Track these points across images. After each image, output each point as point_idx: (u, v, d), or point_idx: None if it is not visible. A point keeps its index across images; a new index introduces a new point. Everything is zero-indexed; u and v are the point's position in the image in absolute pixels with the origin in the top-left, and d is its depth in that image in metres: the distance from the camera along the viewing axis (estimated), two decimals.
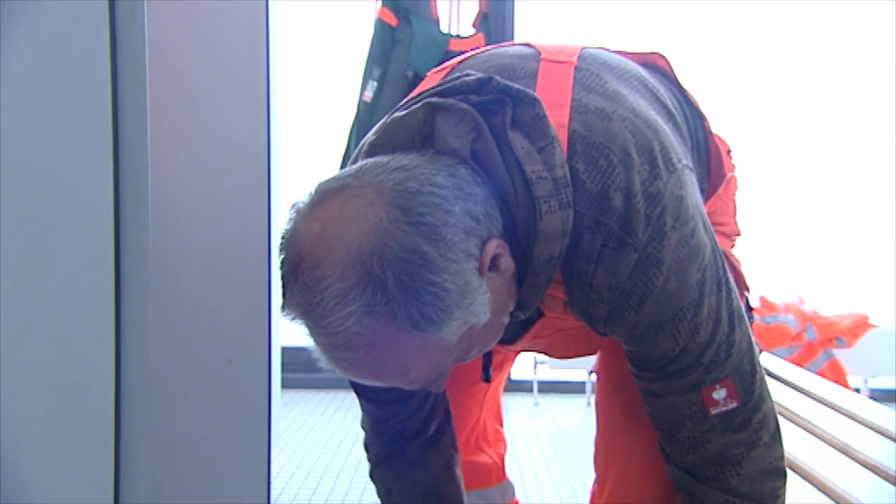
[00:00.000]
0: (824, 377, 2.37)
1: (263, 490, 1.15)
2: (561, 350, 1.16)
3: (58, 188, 0.76)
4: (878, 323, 3.46)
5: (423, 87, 0.99)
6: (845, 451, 1.42)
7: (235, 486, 1.06)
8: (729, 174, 1.15)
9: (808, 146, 3.84)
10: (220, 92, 0.97)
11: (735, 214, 1.31)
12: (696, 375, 0.92)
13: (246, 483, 1.10)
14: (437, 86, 0.90)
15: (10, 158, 0.75)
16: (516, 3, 3.63)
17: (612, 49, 1.08)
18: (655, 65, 1.10)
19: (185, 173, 0.87)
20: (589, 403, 3.61)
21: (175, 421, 0.86)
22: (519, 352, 1.24)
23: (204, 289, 0.93)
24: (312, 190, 0.80)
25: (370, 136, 0.91)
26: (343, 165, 3.34)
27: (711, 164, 1.10)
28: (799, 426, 1.57)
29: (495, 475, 1.35)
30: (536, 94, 0.87)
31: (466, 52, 1.08)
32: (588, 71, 0.95)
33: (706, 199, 1.11)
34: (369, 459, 1.19)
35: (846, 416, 1.63)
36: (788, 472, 1.00)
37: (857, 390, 3.47)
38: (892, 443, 1.46)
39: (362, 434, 1.19)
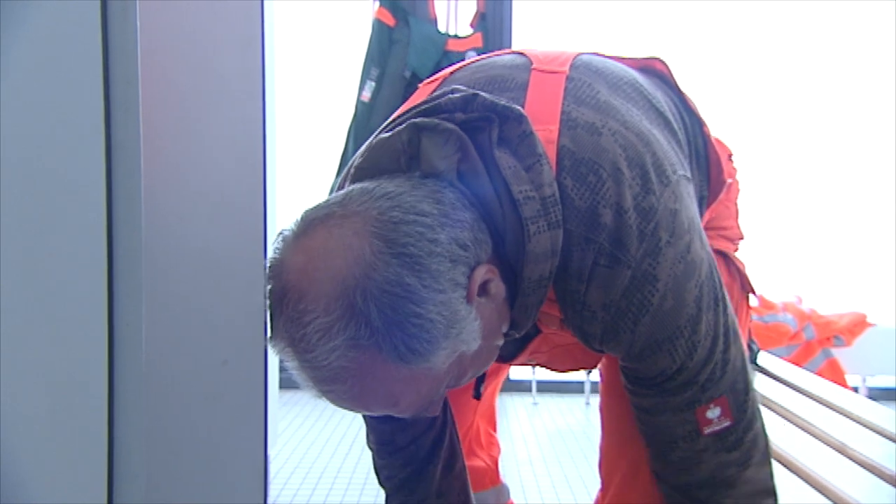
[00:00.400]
0: (822, 376, 2.37)
1: (260, 491, 1.15)
2: (561, 364, 1.15)
3: (50, 189, 0.75)
4: (876, 322, 3.47)
5: (412, 101, 0.98)
6: (843, 450, 1.41)
7: (232, 487, 1.06)
8: (730, 180, 1.14)
9: (807, 146, 3.84)
10: (214, 92, 0.97)
11: (737, 218, 1.30)
12: (692, 393, 0.91)
13: (242, 484, 1.09)
14: (423, 103, 0.89)
15: (1, 159, 0.75)
16: (514, 2, 3.63)
17: (609, 55, 1.06)
18: (654, 70, 1.09)
19: (178, 174, 0.86)
20: (588, 403, 3.61)
21: (170, 422, 0.86)
22: (518, 365, 1.24)
23: (198, 289, 0.93)
24: (299, 217, 0.79)
25: (356, 158, 0.90)
26: (342, 165, 3.37)
27: (711, 170, 1.09)
28: (797, 425, 1.57)
29: (489, 478, 1.35)
30: (525, 108, 0.86)
31: (463, 52, 1.07)
32: (580, 81, 0.93)
33: (707, 206, 1.10)
34: (382, 484, 1.17)
35: (844, 415, 1.62)
36: (786, 471, 1.00)
37: (856, 389, 3.48)
38: (890, 442, 1.45)
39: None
